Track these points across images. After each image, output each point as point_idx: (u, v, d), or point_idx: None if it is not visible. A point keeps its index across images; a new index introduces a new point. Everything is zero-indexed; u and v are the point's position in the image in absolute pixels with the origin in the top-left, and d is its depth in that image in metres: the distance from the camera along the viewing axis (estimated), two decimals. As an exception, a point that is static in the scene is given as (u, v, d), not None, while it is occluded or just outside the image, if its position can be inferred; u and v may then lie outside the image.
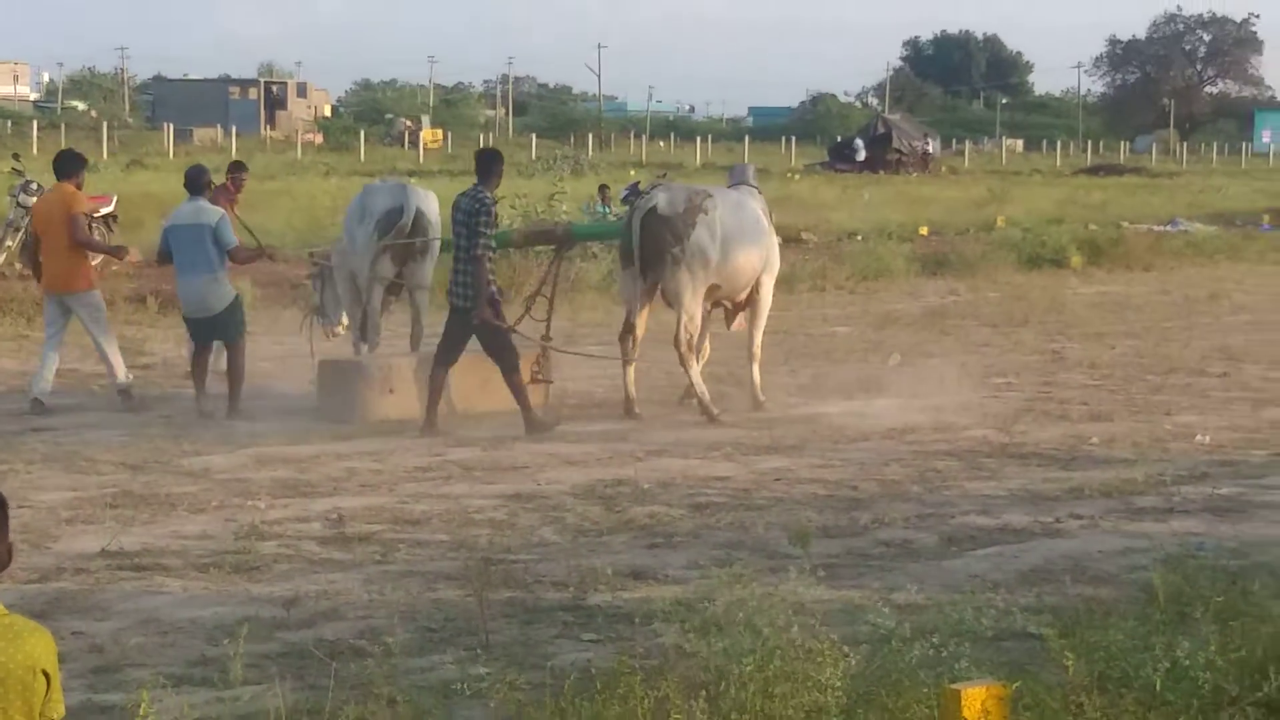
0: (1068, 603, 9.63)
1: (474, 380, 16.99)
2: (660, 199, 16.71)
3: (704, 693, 6.88)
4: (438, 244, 17.82)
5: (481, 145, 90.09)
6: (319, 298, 18.16)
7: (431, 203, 18.04)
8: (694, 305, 16.74)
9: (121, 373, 16.79)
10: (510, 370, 15.80)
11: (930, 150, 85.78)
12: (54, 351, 16.82)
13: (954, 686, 7.03)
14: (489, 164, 16.17)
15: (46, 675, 4.97)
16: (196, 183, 16.77)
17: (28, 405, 16.44)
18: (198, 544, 11.45)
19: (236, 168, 19.55)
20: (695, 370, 16.64)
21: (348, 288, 17.90)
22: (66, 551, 11.19)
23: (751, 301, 17.43)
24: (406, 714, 6.78)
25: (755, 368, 17.27)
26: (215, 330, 16.52)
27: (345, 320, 18.03)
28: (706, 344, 17.46)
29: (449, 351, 15.96)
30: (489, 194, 15.90)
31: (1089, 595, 9.86)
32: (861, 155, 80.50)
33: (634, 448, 15.22)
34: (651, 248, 16.50)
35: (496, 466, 14.32)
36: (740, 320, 17.64)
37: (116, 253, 18.90)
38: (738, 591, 7.45)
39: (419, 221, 17.77)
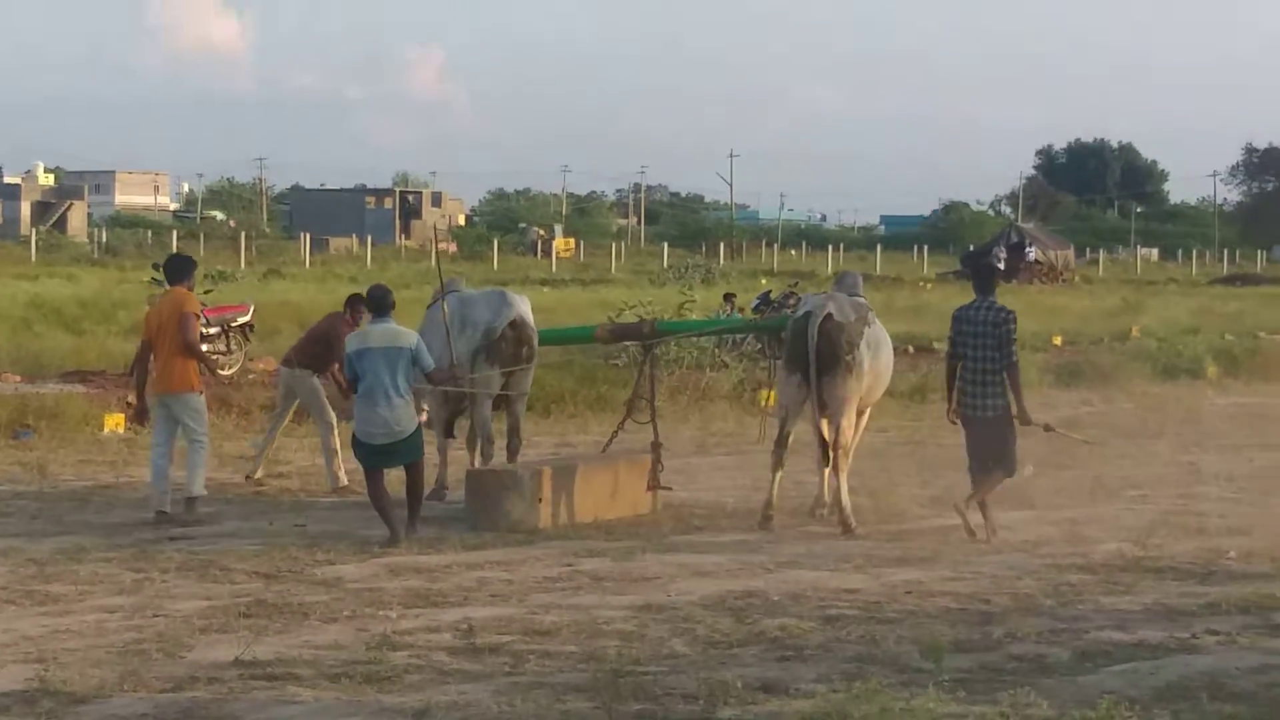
0: (1205, 721, 9.49)
1: (606, 486, 17.07)
2: (832, 307, 16.85)
3: (834, 811, 6.84)
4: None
5: (613, 253, 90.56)
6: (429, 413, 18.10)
7: (529, 309, 18.17)
8: (854, 412, 16.98)
9: (199, 485, 16.76)
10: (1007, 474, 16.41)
11: (1058, 263, 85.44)
12: (164, 460, 16.82)
13: (1088, 807, 6.96)
14: (988, 277, 17.05)
15: None
16: (384, 303, 16.17)
17: (152, 517, 16.55)
18: (329, 654, 11.49)
19: (355, 301, 19.06)
20: (845, 478, 16.68)
21: (437, 403, 17.97)
22: (200, 661, 11.26)
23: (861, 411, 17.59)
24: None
25: (844, 483, 16.98)
26: (399, 454, 15.92)
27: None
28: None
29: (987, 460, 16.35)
30: (1005, 306, 16.43)
31: (1227, 713, 9.72)
32: (1001, 264, 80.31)
33: (764, 559, 15.18)
34: (829, 354, 16.63)
35: (626, 577, 14.31)
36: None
37: (211, 366, 18.88)
38: (869, 706, 7.40)
39: (525, 330, 17.86)
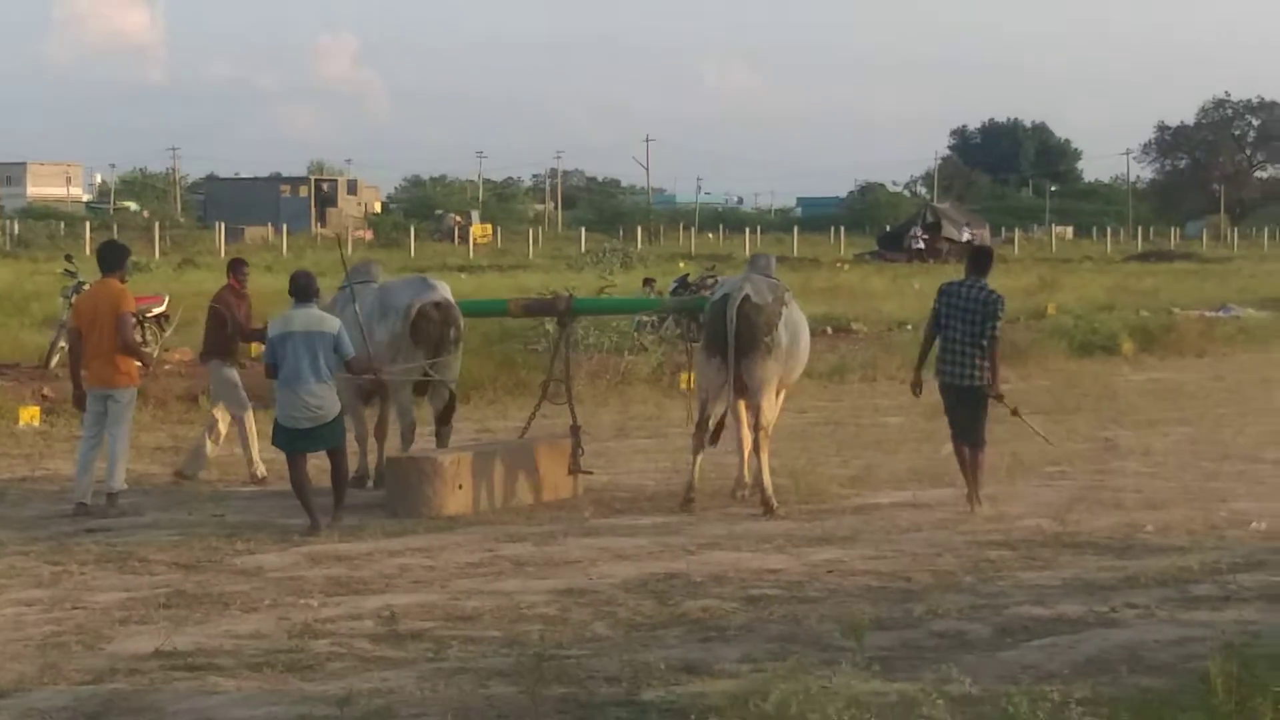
0: (1124, 694, 9.56)
1: (526, 471, 17.08)
2: (749, 289, 16.77)
3: (758, 789, 6.86)
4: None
5: (530, 239, 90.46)
6: None
7: (450, 294, 18.10)
8: (774, 393, 16.96)
9: (120, 480, 16.54)
10: (979, 448, 16.76)
11: (973, 239, 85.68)
12: (93, 451, 16.61)
13: (1010, 780, 7.01)
14: (985, 261, 17.36)
15: None
16: (306, 289, 16.12)
17: (71, 509, 16.38)
18: (251, 643, 11.46)
19: (238, 264, 19.03)
20: (766, 458, 16.65)
21: (353, 391, 17.58)
22: (120, 652, 11.20)
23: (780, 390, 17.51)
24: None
25: (764, 463, 17.07)
26: (320, 439, 15.88)
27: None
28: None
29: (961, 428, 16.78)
30: (996, 291, 16.87)
31: (1146, 686, 9.79)
32: (921, 244, 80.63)
33: (686, 541, 15.20)
34: (748, 336, 16.55)
35: (548, 562, 14.31)
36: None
37: (148, 363, 18.25)
38: (792, 685, 7.43)
39: (450, 311, 17.79)
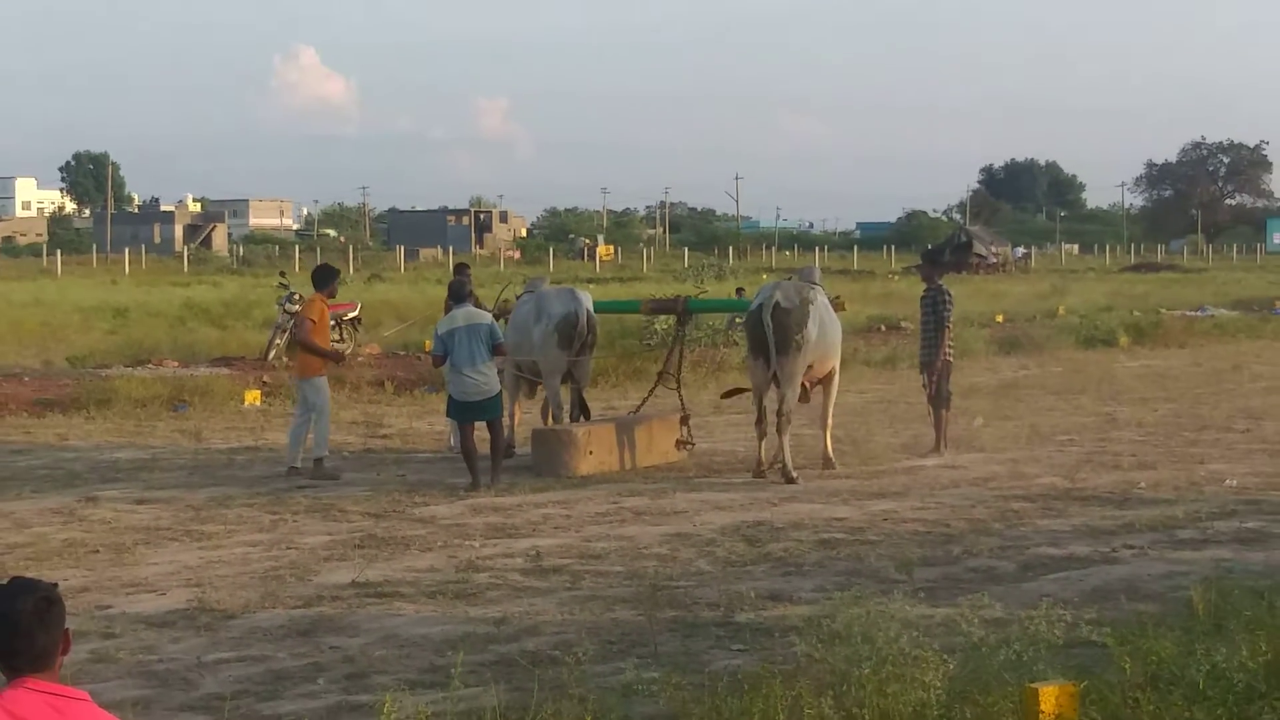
0: (1124, 617, 9.45)
1: (643, 441, 17.06)
2: (779, 296, 16.30)
3: (830, 692, 6.82)
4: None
5: (644, 257, 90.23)
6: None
7: (591, 302, 18.08)
8: (799, 384, 16.39)
9: (323, 448, 16.42)
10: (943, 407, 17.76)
11: (1017, 257, 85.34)
12: (302, 427, 16.55)
13: (1033, 686, 6.93)
14: (938, 261, 19.44)
15: None
16: (461, 292, 16.24)
17: (285, 472, 16.39)
18: (427, 576, 11.51)
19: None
20: (788, 439, 16.11)
21: (512, 377, 17.56)
22: (324, 583, 11.28)
23: (827, 379, 17.08)
24: (594, 710, 6.75)
25: (828, 434, 16.95)
26: (484, 411, 15.76)
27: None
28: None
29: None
30: (947, 288, 18.07)
31: (1141, 610, 9.66)
32: (946, 257, 79.96)
33: (770, 496, 15.14)
34: (782, 336, 16.14)
35: (661, 511, 14.29)
36: (814, 395, 17.25)
37: (333, 357, 17.27)
38: (856, 610, 7.38)
39: (589, 321, 17.78)
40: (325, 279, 17.22)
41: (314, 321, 16.56)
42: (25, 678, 4.63)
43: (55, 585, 4.75)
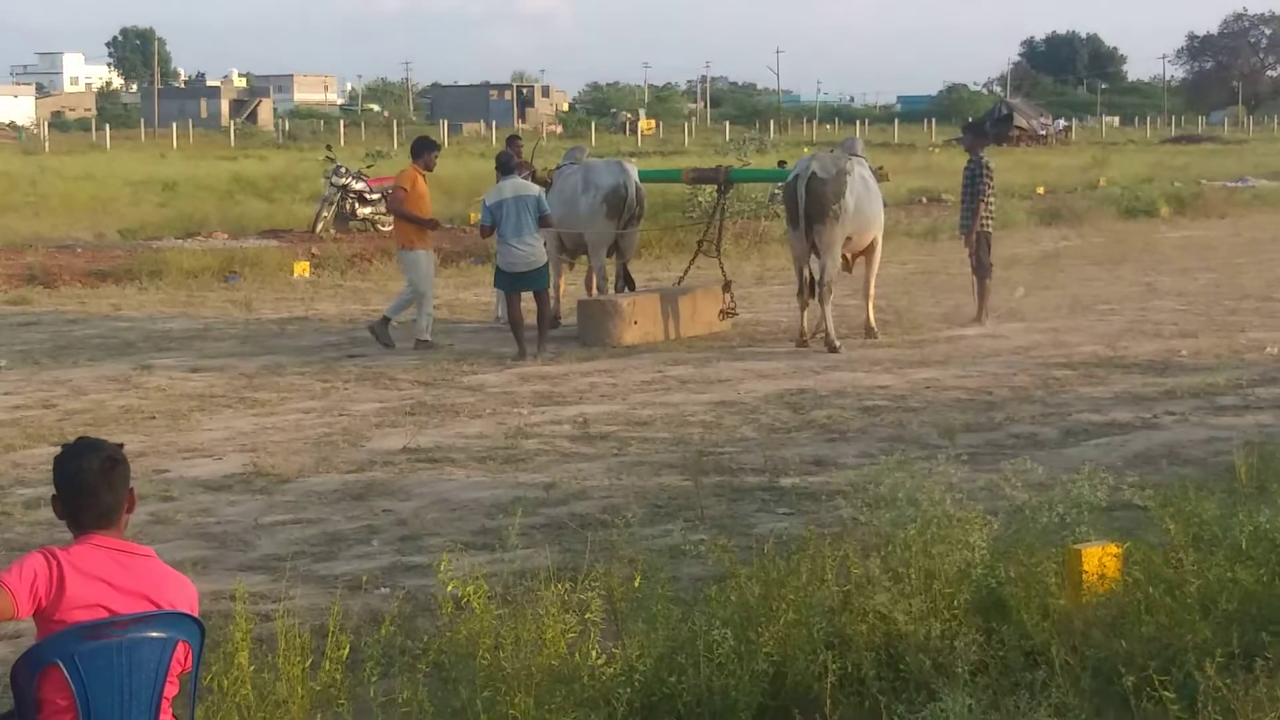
0: (1166, 480, 9.44)
1: (687, 311, 17.04)
2: (816, 166, 16.10)
3: (876, 553, 6.84)
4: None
5: (685, 131, 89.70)
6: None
7: (637, 174, 17.93)
8: (839, 253, 16.27)
9: (395, 310, 16.35)
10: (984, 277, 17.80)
11: (1058, 130, 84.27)
12: (408, 299, 16.43)
13: (1076, 546, 6.94)
14: (980, 133, 19.55)
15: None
16: (509, 164, 16.07)
17: (414, 344, 16.11)
18: (476, 442, 11.57)
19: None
20: (830, 308, 16.01)
21: (555, 249, 17.20)
22: (376, 449, 11.36)
23: (869, 250, 16.92)
24: (644, 570, 6.79)
25: (871, 305, 16.86)
26: (531, 281, 15.64)
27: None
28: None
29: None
30: (989, 160, 17.99)
31: (1183, 474, 9.66)
32: (987, 129, 79.07)
33: (813, 364, 15.13)
34: (816, 207, 15.95)
35: (705, 380, 14.31)
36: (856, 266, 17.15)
37: (427, 224, 16.63)
38: (900, 474, 7.37)
39: (638, 193, 17.68)
40: (422, 150, 16.97)
41: (406, 190, 16.40)
42: (91, 534, 4.69)
43: (120, 445, 4.79)
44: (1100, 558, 6.86)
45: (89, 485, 4.68)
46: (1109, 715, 5.87)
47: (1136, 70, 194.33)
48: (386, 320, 16.32)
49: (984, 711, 5.69)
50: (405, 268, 16.63)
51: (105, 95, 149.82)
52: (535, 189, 15.87)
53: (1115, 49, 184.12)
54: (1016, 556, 6.83)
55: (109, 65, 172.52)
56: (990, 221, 17.94)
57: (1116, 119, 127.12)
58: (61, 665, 4.46)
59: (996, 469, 9.72)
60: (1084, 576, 6.78)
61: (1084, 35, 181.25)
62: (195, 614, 4.73)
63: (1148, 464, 10.47)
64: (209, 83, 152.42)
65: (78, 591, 4.55)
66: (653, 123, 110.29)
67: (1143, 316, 18.30)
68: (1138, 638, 6.26)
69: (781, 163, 35.76)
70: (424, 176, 16.71)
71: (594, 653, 6.01)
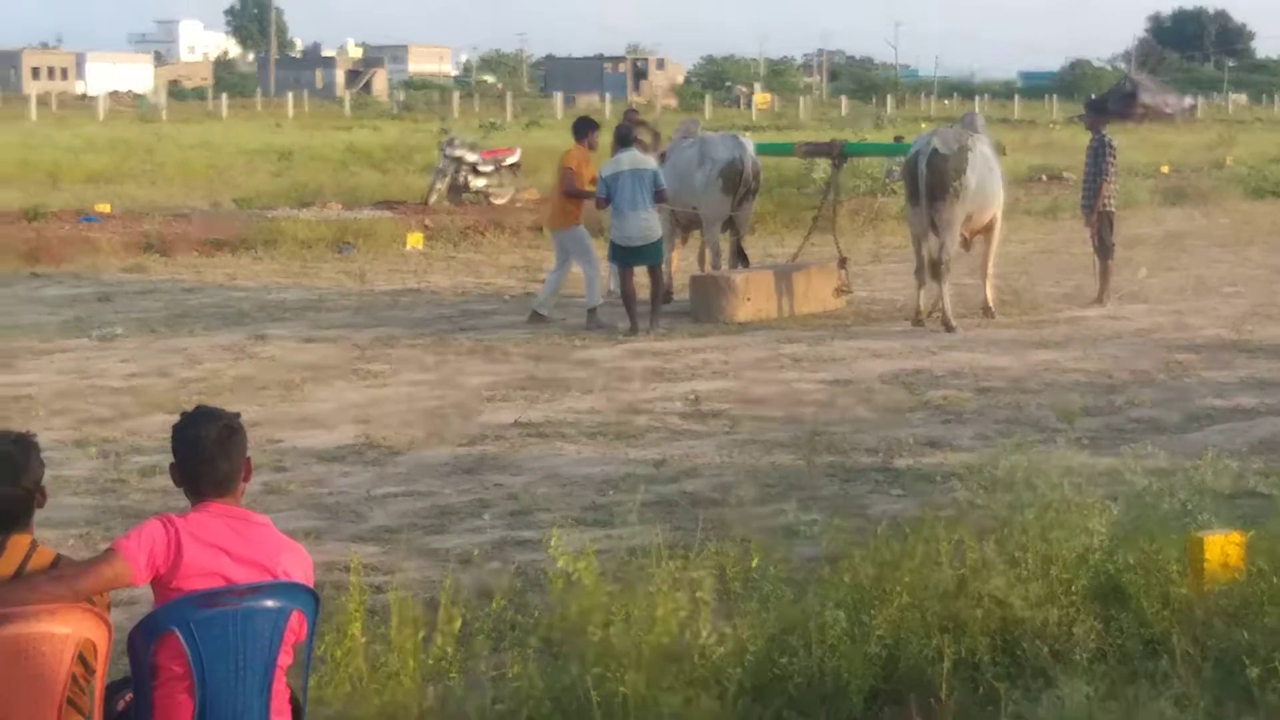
0: (1292, 469, 9.29)
1: (801, 288, 16.97)
2: (937, 142, 15.96)
3: (992, 536, 6.79)
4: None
5: (801, 105, 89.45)
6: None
7: (753, 149, 17.86)
8: (957, 232, 16.06)
9: (596, 297, 16.11)
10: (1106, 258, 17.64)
11: (1188, 106, 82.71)
12: (555, 279, 16.41)
13: (1198, 534, 6.85)
14: (1103, 110, 19.68)
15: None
16: (627, 137, 16.01)
17: (529, 316, 16.21)
18: (588, 417, 11.62)
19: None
20: (948, 286, 15.88)
21: (668, 223, 17.09)
22: (488, 423, 11.43)
23: (988, 228, 16.71)
24: (757, 550, 6.78)
25: (989, 284, 16.69)
26: (646, 255, 15.66)
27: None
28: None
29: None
30: (1112, 138, 17.80)
31: (1309, 463, 9.50)
32: (1110, 106, 77.84)
33: (929, 344, 15.03)
34: (937, 183, 15.78)
35: (819, 358, 14.26)
36: (976, 244, 16.95)
37: (590, 198, 16.23)
38: (1018, 457, 7.31)
39: (754, 168, 17.62)
40: (586, 130, 16.93)
41: (573, 169, 16.40)
42: (209, 501, 4.76)
43: (237, 414, 4.86)
44: (1223, 546, 6.77)
45: (207, 453, 4.75)
46: (1230, 707, 5.79)
47: (1265, 47, 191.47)
48: (593, 311, 16.11)
49: (1102, 700, 5.64)
50: (571, 247, 16.42)
51: (222, 64, 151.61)
52: (652, 162, 15.87)
53: (1244, 25, 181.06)
54: (1136, 543, 6.75)
55: (226, 33, 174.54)
56: (1113, 201, 17.70)
57: (1244, 96, 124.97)
58: (178, 632, 4.54)
59: (1116, 454, 9.62)
60: (1206, 565, 6.70)
61: (1212, 11, 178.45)
62: (310, 584, 4.79)
63: (1273, 451, 10.30)
64: (325, 53, 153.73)
65: (195, 559, 4.63)
66: (768, 96, 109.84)
67: (1269, 299, 17.98)
68: (1261, 629, 6.17)
69: (898, 138, 35.62)
70: (589, 156, 16.69)
71: (705, 632, 6.01)
